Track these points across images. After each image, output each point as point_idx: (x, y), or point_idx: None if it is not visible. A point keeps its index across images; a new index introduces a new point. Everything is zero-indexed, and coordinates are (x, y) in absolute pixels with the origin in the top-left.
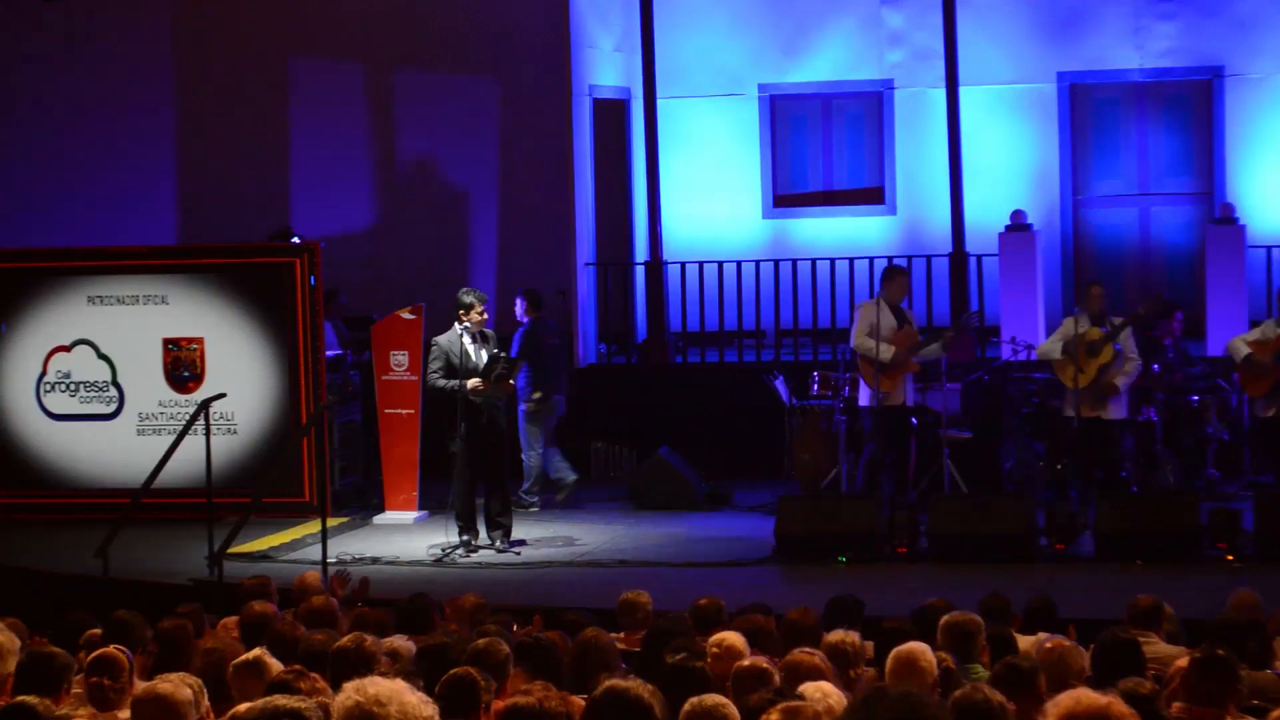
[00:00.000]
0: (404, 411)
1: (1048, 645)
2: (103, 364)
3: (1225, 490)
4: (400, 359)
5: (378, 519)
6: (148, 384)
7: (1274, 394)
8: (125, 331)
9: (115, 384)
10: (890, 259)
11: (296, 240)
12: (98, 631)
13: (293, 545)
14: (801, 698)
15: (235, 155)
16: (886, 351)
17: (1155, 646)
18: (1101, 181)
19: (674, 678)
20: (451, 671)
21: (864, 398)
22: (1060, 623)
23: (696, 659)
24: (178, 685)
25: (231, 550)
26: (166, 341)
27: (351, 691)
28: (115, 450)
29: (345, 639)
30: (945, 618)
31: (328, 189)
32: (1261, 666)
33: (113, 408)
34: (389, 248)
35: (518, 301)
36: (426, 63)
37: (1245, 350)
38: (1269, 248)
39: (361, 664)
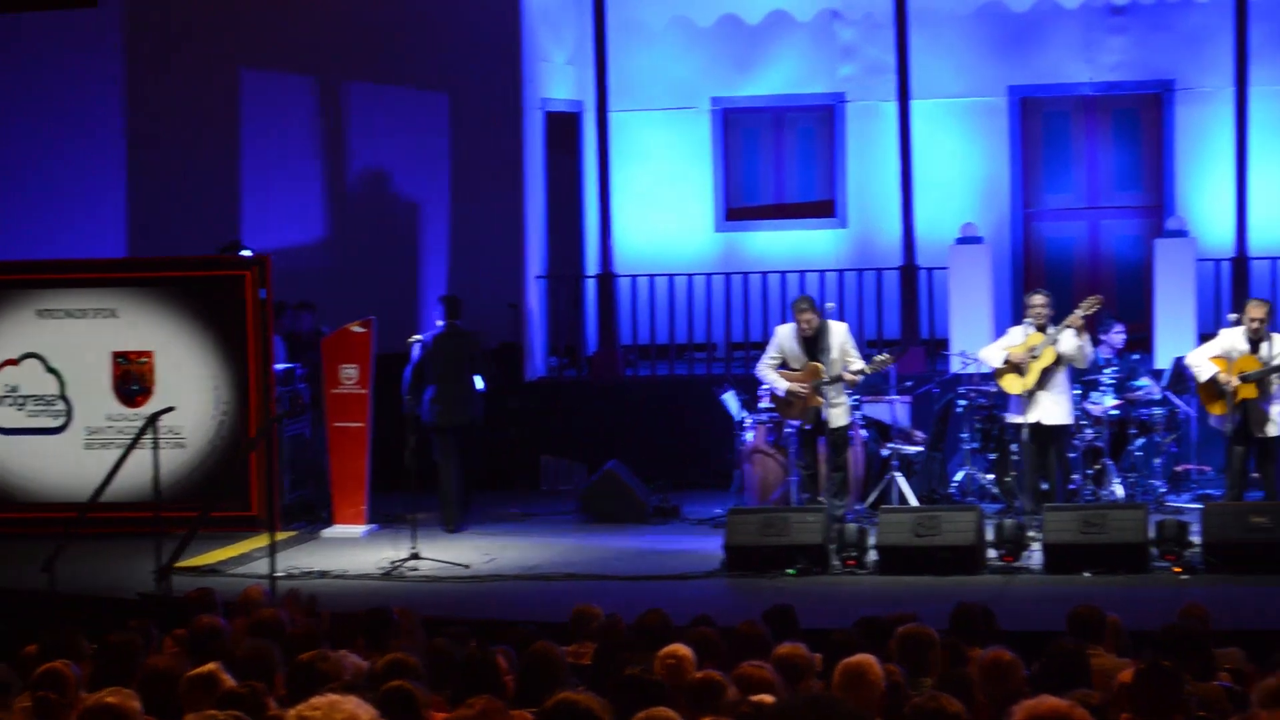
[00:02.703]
0: (353, 425)
1: (987, 658)
2: (51, 378)
3: (1173, 502)
4: (350, 372)
5: (326, 533)
6: (96, 398)
7: (1234, 412)
8: (74, 345)
9: (64, 398)
10: (840, 272)
11: (247, 253)
12: (33, 648)
13: (241, 559)
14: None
15: (185, 168)
16: (780, 386)
17: (1100, 658)
18: (1052, 194)
19: (627, 691)
20: (388, 684)
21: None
22: (999, 635)
23: (650, 672)
24: (126, 697)
25: (179, 564)
26: (116, 355)
27: (304, 709)
28: (63, 464)
29: (306, 654)
30: (900, 630)
31: (278, 202)
32: (1207, 678)
33: (61, 421)
34: (339, 261)
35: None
36: (378, 75)
37: (1210, 371)
38: (1217, 261)
39: (321, 679)
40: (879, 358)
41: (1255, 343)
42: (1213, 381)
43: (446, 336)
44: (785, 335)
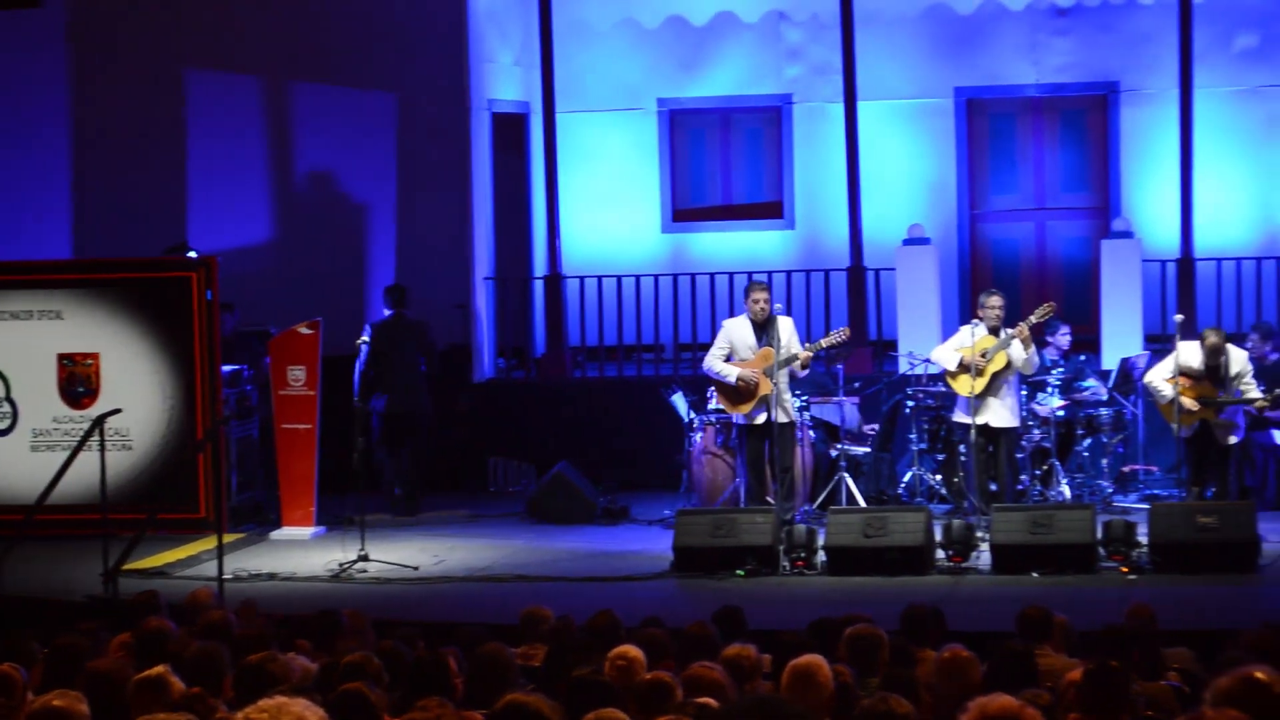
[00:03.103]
0: (301, 426)
1: (944, 656)
2: None
3: (1120, 502)
4: (298, 374)
5: (275, 534)
6: (42, 400)
7: (1193, 418)
8: (19, 347)
9: (9, 400)
10: (788, 273)
11: (193, 255)
12: None
13: (189, 561)
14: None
15: (131, 169)
16: (732, 374)
17: (1048, 658)
18: (998, 196)
19: (577, 692)
20: (342, 687)
21: (737, 416)
22: (949, 635)
23: (601, 674)
24: (73, 700)
25: (127, 567)
26: (61, 357)
27: (252, 711)
28: (8, 467)
29: (254, 656)
30: (848, 631)
31: (225, 203)
32: (1154, 678)
33: (6, 424)
34: (286, 262)
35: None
36: (324, 76)
37: (1170, 393)
38: (1163, 262)
39: (269, 681)
40: (834, 332)
41: (1213, 368)
42: (1173, 403)
43: (394, 325)
44: (735, 325)
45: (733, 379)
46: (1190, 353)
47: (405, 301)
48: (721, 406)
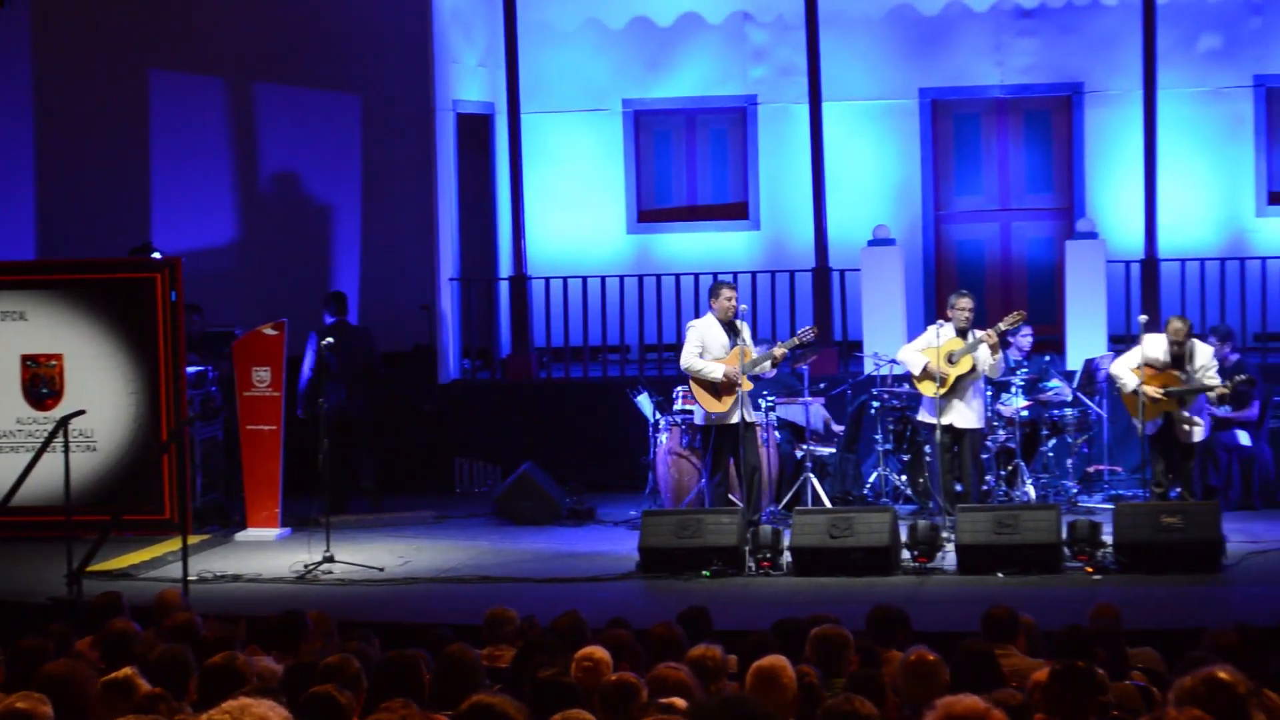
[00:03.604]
0: (266, 428)
1: (910, 658)
2: None
3: (1085, 503)
4: (262, 375)
5: (239, 536)
6: (5, 401)
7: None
8: None
9: None
10: (753, 274)
11: (157, 255)
12: None
13: (154, 563)
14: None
15: (95, 169)
16: (717, 371)
17: (1014, 659)
18: (963, 197)
19: (542, 693)
20: (312, 689)
21: (699, 415)
22: (914, 636)
23: (567, 675)
24: (36, 702)
25: (92, 569)
26: (25, 358)
27: (216, 713)
28: None
29: (216, 657)
30: (814, 631)
31: (189, 204)
32: (1119, 678)
33: None
34: (251, 263)
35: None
36: (289, 77)
37: (1134, 383)
38: (1127, 263)
39: (231, 682)
40: (801, 331)
41: (1178, 357)
42: (1136, 393)
43: (336, 332)
44: (705, 325)
45: (719, 374)
46: (1156, 345)
47: (345, 308)
48: (689, 407)
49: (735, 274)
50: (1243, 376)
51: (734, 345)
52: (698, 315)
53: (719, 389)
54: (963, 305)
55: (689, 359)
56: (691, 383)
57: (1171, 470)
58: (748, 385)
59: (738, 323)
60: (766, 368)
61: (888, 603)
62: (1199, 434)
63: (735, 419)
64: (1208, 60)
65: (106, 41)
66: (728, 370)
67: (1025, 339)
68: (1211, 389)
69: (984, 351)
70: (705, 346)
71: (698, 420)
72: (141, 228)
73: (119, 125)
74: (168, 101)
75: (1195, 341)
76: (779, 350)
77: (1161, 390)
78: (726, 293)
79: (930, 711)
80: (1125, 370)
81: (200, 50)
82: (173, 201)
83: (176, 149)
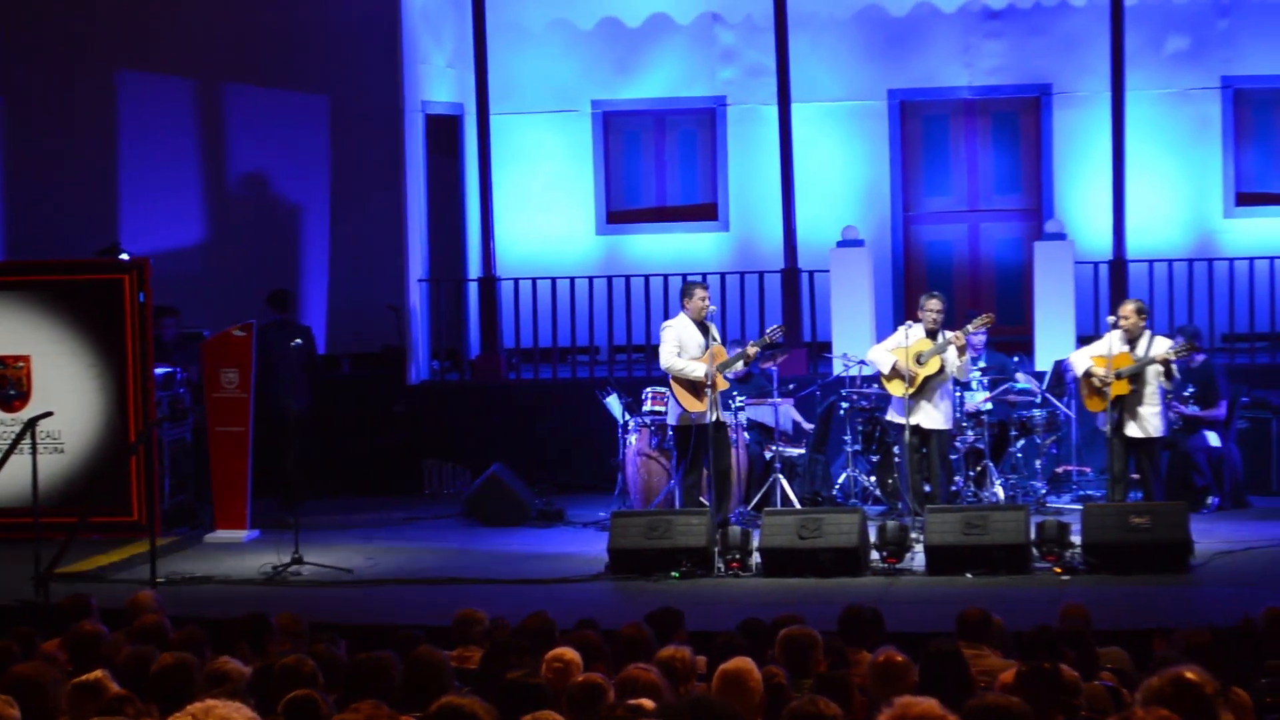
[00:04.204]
0: (235, 429)
1: (879, 659)
2: None
3: (1054, 503)
4: (231, 376)
5: (208, 538)
6: None
7: (1112, 409)
8: None
9: None
10: (722, 275)
11: (125, 257)
12: None
13: (122, 565)
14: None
15: (62, 170)
16: (699, 367)
17: (985, 660)
18: (931, 198)
19: (511, 695)
20: (293, 693)
21: (672, 416)
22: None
23: (535, 676)
24: (3, 705)
25: (61, 570)
26: None
27: (180, 716)
28: None
29: (166, 658)
30: (783, 632)
31: (157, 205)
32: (1089, 678)
33: None
34: (219, 264)
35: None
36: (257, 78)
37: (1085, 363)
38: (1095, 263)
39: (183, 684)
40: (770, 330)
41: (1132, 342)
42: (1090, 377)
43: (278, 328)
44: (681, 325)
45: (700, 373)
46: (1114, 338)
47: (287, 306)
48: (658, 408)
49: (704, 275)
50: (1188, 340)
51: (708, 345)
52: (667, 316)
53: (699, 388)
54: (931, 306)
55: (669, 358)
56: (672, 382)
57: (1138, 469)
58: (724, 384)
59: (708, 323)
60: (739, 367)
61: (860, 603)
62: (1152, 429)
63: (711, 418)
64: (1175, 62)
65: (74, 43)
66: (709, 369)
67: (979, 336)
68: (1161, 360)
69: (952, 353)
70: (682, 346)
71: (671, 421)
72: (109, 229)
73: (87, 126)
74: (136, 102)
75: (1157, 338)
76: (751, 349)
77: (1114, 373)
78: (699, 293)
79: (887, 709)
80: (1080, 356)
81: (168, 51)
82: (141, 202)
83: (144, 150)
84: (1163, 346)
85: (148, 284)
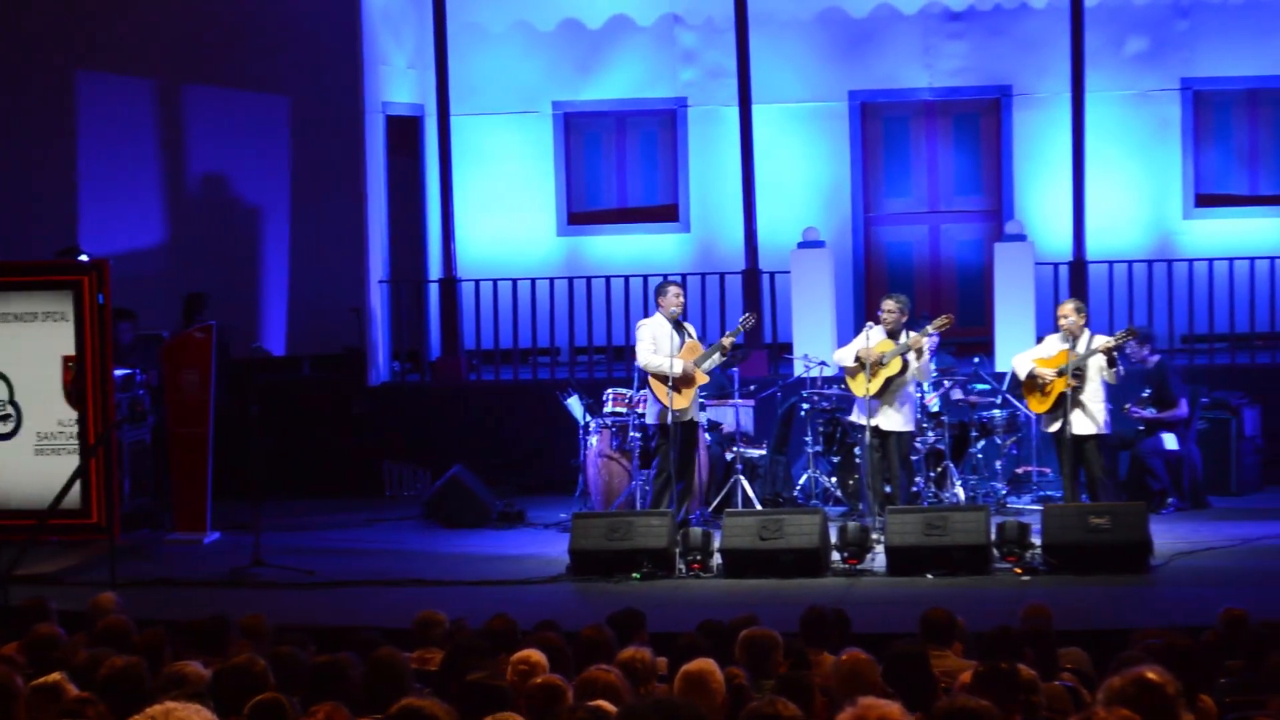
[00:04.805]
0: (195, 431)
1: (842, 660)
2: None
3: (1014, 504)
4: (191, 378)
5: (169, 539)
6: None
7: (1056, 410)
8: None
9: None
10: (684, 276)
11: (84, 258)
12: None
13: (82, 567)
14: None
15: (21, 171)
16: (677, 366)
17: (947, 660)
18: (892, 199)
19: (471, 696)
20: (258, 698)
21: (652, 415)
22: (851, 637)
23: (497, 677)
24: None
25: (20, 574)
26: None
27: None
28: None
29: (118, 661)
30: (743, 633)
31: (116, 206)
32: (1049, 678)
33: None
34: (179, 265)
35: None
36: (217, 78)
37: (1028, 366)
38: (1056, 265)
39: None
40: (743, 318)
41: (1072, 340)
42: (1032, 378)
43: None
44: (655, 324)
45: (679, 370)
46: (1055, 341)
47: (204, 308)
48: (619, 409)
49: (665, 276)
50: (1136, 328)
51: (683, 343)
52: (628, 317)
53: (678, 385)
54: (888, 307)
55: (646, 355)
56: (651, 381)
57: (1084, 467)
58: (703, 379)
59: (682, 321)
60: (716, 360)
61: (823, 604)
62: (1096, 425)
63: (692, 415)
64: (1135, 63)
65: (33, 43)
66: (686, 365)
67: (931, 338)
68: (1102, 350)
69: (913, 358)
70: (657, 344)
71: (651, 419)
72: (68, 230)
73: (46, 127)
74: (95, 103)
75: (1098, 335)
76: (727, 339)
77: (1055, 371)
78: (674, 291)
79: (850, 708)
80: (1024, 359)
81: (128, 52)
82: (100, 203)
83: (104, 151)
84: (1103, 340)
85: (107, 285)
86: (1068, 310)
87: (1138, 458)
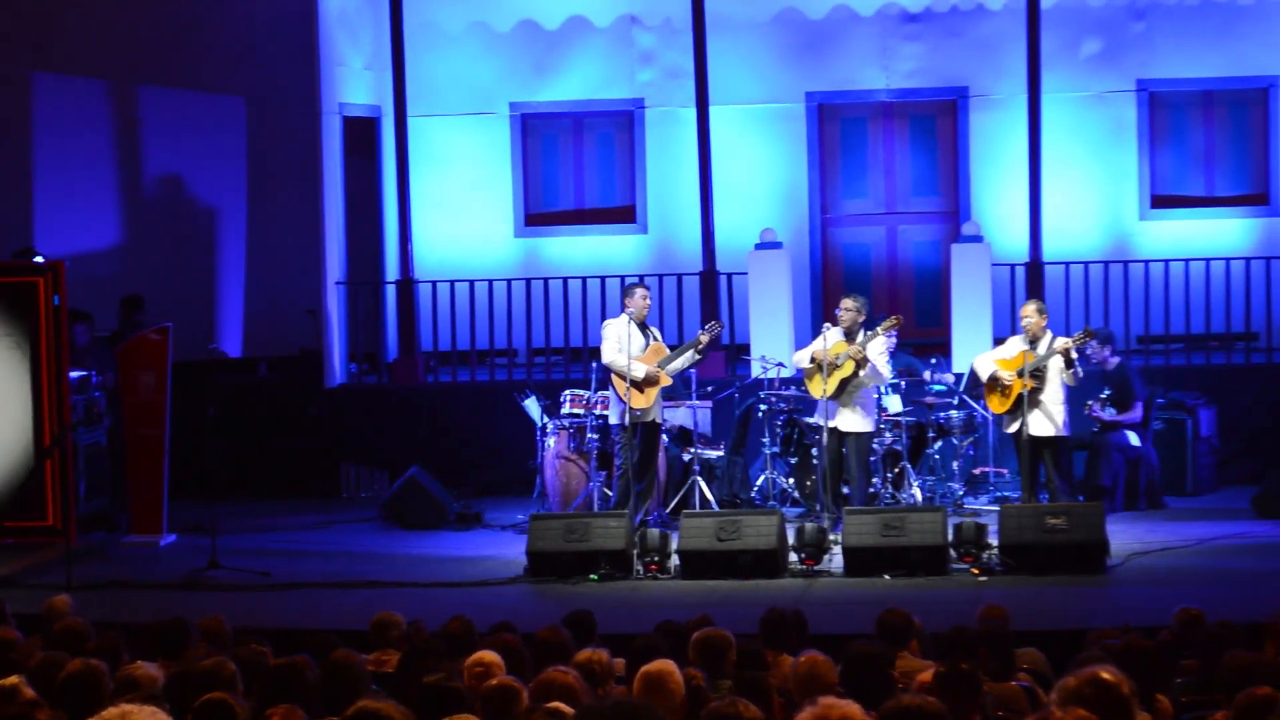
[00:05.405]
0: (151, 433)
1: (800, 661)
2: None
3: (971, 504)
4: (147, 380)
5: (125, 541)
6: None
7: (1016, 411)
8: None
9: None
10: (641, 277)
11: (40, 259)
12: None
13: (37, 569)
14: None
15: None
16: (639, 369)
17: (905, 661)
18: (849, 200)
19: (428, 698)
20: (204, 697)
21: (615, 415)
22: (809, 639)
23: (452, 679)
24: None
25: None
26: None
27: None
28: None
29: (73, 664)
30: (697, 634)
31: (72, 207)
32: (1005, 678)
33: None
34: (135, 267)
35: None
36: (173, 79)
37: (990, 368)
38: (1012, 266)
39: (92, 690)
40: (709, 324)
41: (1033, 343)
42: (993, 378)
43: (120, 337)
44: (621, 324)
45: (640, 374)
46: (1019, 340)
47: (142, 309)
48: (576, 410)
49: (623, 277)
50: (1094, 330)
51: (648, 344)
52: (585, 319)
53: (641, 386)
54: (847, 306)
55: (612, 354)
56: (615, 380)
57: (1044, 468)
58: (667, 380)
59: (647, 324)
60: (690, 358)
61: (782, 605)
62: (1048, 428)
63: (654, 416)
64: (1091, 65)
65: None
66: (649, 370)
67: (890, 339)
68: (1061, 351)
69: (874, 352)
70: (623, 345)
71: (614, 419)
72: (24, 231)
73: (0, 128)
74: (50, 104)
75: (1059, 337)
76: (704, 336)
77: (1015, 371)
78: (641, 293)
79: (810, 707)
80: (985, 360)
81: (84, 52)
82: (56, 205)
83: (59, 152)
84: (1064, 342)
85: (63, 287)
86: (1030, 311)
87: (1097, 450)
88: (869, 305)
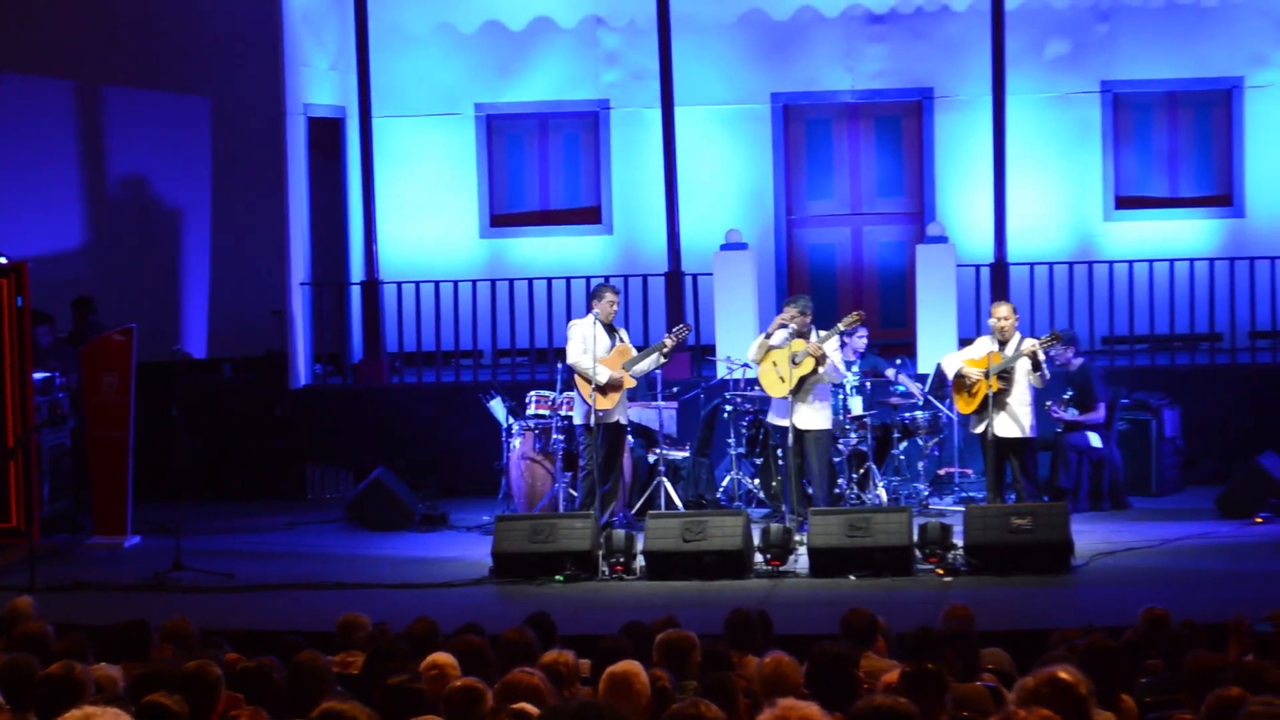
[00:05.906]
0: (115, 434)
1: (766, 662)
2: None
3: (936, 505)
4: (111, 381)
5: (89, 543)
6: None
7: (983, 411)
8: None
9: None
10: (607, 278)
11: (3, 260)
12: None
13: (0, 571)
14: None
15: None
16: (603, 372)
17: (870, 661)
18: (815, 201)
19: (392, 700)
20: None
21: (579, 415)
22: (774, 639)
23: (417, 681)
24: None
25: None
26: None
27: None
28: None
29: (53, 666)
30: (661, 635)
31: (36, 208)
32: (970, 679)
33: None
34: (99, 268)
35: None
36: (137, 79)
37: (957, 365)
38: (977, 266)
39: (70, 692)
40: (677, 329)
41: (1003, 344)
42: (960, 378)
43: (96, 329)
44: (587, 325)
45: (603, 378)
46: (988, 341)
47: (94, 311)
48: (542, 411)
49: (588, 278)
50: (1060, 332)
51: (614, 345)
52: (551, 320)
53: (605, 387)
54: (790, 314)
55: (576, 355)
56: (579, 381)
57: (1011, 469)
58: (631, 382)
59: (614, 326)
60: (656, 360)
61: (747, 607)
62: (1014, 429)
63: (618, 417)
64: (1056, 66)
65: None
66: (612, 375)
67: (860, 340)
68: (1029, 353)
69: (830, 351)
70: (586, 346)
71: (578, 420)
72: None
73: None
74: (13, 104)
75: (1027, 338)
76: (670, 340)
77: (983, 371)
78: (609, 295)
79: (770, 709)
80: (953, 359)
81: (46, 53)
82: (19, 206)
83: (22, 152)
84: (1031, 343)
85: (26, 288)
86: (1005, 313)
87: (1059, 451)
88: (810, 304)
